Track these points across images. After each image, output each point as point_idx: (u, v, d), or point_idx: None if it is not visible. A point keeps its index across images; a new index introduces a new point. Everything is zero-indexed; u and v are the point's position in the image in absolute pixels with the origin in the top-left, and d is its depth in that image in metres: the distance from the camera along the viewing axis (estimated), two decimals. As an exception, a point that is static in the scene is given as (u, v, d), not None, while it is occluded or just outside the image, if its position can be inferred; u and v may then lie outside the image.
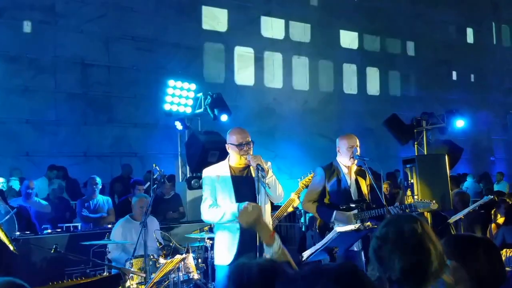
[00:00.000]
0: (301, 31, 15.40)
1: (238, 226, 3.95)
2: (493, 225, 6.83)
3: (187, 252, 5.42)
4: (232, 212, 3.96)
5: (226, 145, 4.21)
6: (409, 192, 7.44)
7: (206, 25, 13.81)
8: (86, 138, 11.69)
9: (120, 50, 12.18)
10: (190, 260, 5.38)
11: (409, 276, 1.82)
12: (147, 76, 12.10)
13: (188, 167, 8.43)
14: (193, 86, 8.53)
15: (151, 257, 5.18)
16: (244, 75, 14.40)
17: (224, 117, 8.00)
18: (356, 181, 4.83)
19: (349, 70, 16.36)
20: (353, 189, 4.80)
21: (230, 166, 4.17)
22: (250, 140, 4.12)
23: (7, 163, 10.34)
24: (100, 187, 7.77)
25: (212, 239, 5.47)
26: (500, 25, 20.48)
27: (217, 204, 4.10)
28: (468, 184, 12.38)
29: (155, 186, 5.43)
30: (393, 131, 9.24)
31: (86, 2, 11.88)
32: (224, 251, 4.07)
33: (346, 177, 4.80)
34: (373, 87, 16.85)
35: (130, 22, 12.33)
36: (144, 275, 4.92)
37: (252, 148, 4.12)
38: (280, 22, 15.07)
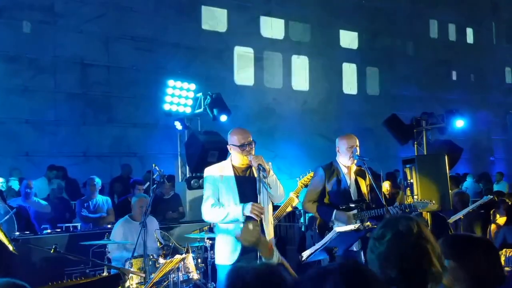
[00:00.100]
0: (301, 31, 15.39)
1: (242, 226, 3.95)
2: (493, 225, 6.83)
3: (187, 252, 5.41)
4: (236, 214, 3.97)
5: (228, 146, 4.20)
6: (408, 192, 7.44)
7: (206, 25, 13.81)
8: (85, 138, 11.68)
9: (119, 50, 12.18)
10: (190, 260, 5.37)
11: (408, 276, 1.82)
12: (146, 76, 12.09)
13: (187, 167, 8.42)
14: (192, 86, 8.52)
15: (151, 257, 5.17)
16: (243, 75, 14.39)
17: (223, 117, 7.99)
18: (356, 181, 4.84)
19: (349, 70, 16.34)
20: (352, 189, 4.81)
21: (233, 166, 4.16)
22: (251, 140, 4.11)
23: (7, 163, 10.33)
24: (100, 187, 7.78)
25: (211, 239, 5.48)
26: (500, 25, 20.46)
27: (220, 203, 4.09)
28: (468, 184, 12.36)
29: (154, 186, 5.43)
30: (393, 131, 9.23)
31: (85, 2, 11.87)
32: (228, 251, 4.07)
33: (346, 177, 4.81)
34: (373, 87, 16.83)
35: (130, 22, 12.32)
36: (143, 275, 4.92)
37: (254, 148, 4.12)
38: (280, 22, 15.06)
